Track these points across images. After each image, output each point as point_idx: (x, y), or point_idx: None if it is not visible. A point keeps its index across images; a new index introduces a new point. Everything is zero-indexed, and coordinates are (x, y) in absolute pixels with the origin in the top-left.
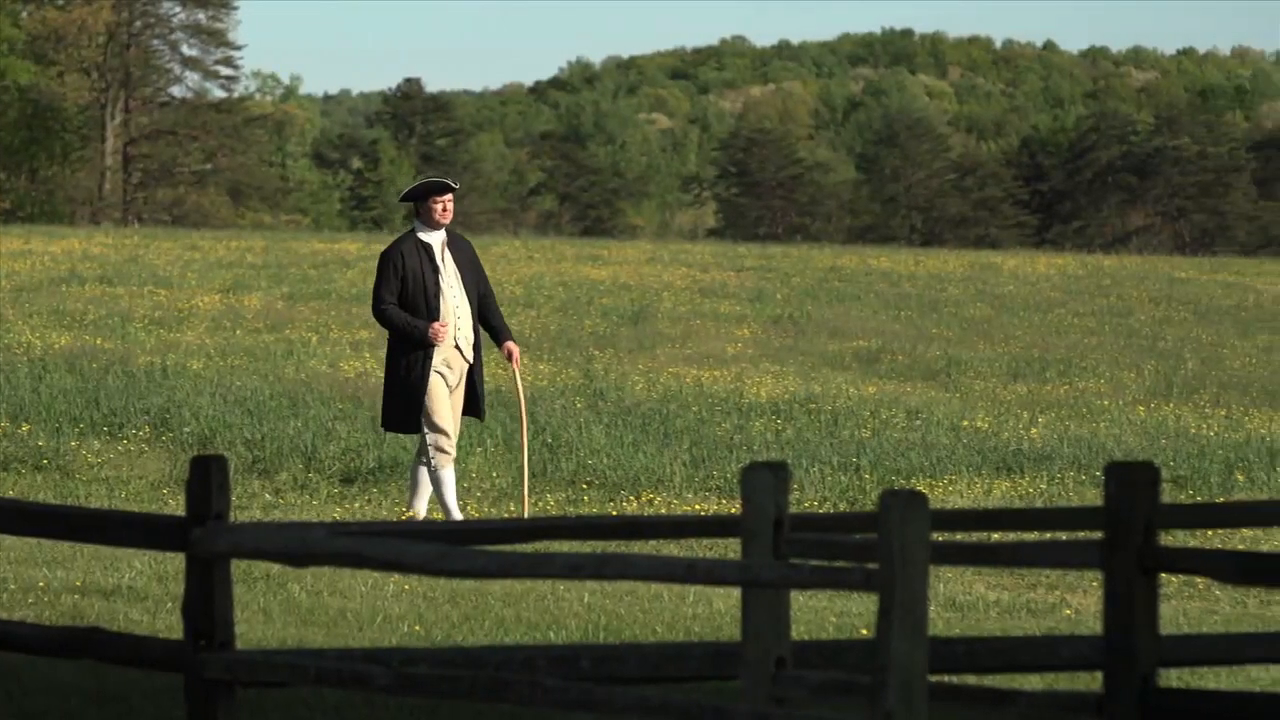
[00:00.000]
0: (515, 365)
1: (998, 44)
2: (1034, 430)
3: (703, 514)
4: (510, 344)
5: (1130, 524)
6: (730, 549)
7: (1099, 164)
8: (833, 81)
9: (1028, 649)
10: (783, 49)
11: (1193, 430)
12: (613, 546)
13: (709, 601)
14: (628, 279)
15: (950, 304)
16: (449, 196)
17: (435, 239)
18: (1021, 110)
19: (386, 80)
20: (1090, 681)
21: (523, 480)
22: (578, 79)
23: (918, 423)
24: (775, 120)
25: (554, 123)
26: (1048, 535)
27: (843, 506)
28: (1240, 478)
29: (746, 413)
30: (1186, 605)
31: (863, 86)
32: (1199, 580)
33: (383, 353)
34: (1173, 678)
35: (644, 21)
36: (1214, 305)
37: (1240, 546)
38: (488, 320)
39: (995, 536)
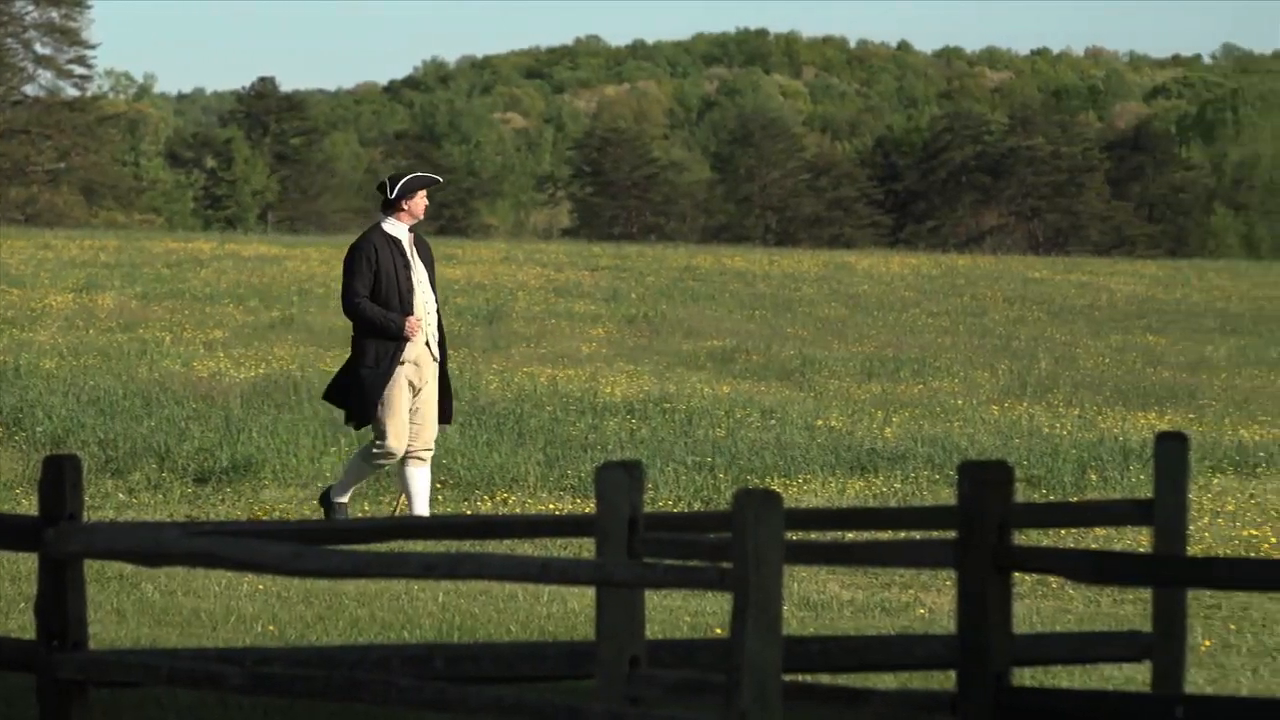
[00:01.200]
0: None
1: (852, 44)
2: (888, 429)
3: (557, 513)
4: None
5: (984, 523)
6: (585, 548)
7: (953, 164)
8: (687, 81)
9: (882, 648)
10: (637, 48)
11: (1046, 430)
12: (467, 546)
13: (564, 601)
14: (482, 278)
15: (805, 304)
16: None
17: (403, 235)
18: (876, 110)
19: (240, 79)
20: (944, 680)
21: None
22: (432, 78)
23: (772, 422)
24: (630, 120)
25: (408, 122)
26: (902, 534)
27: (697, 506)
28: (1093, 477)
29: (601, 412)
30: (1040, 604)
31: (717, 86)
32: (1052, 579)
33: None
34: (1026, 676)
35: (498, 21)
36: (1067, 305)
37: (1093, 545)
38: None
39: (849, 536)
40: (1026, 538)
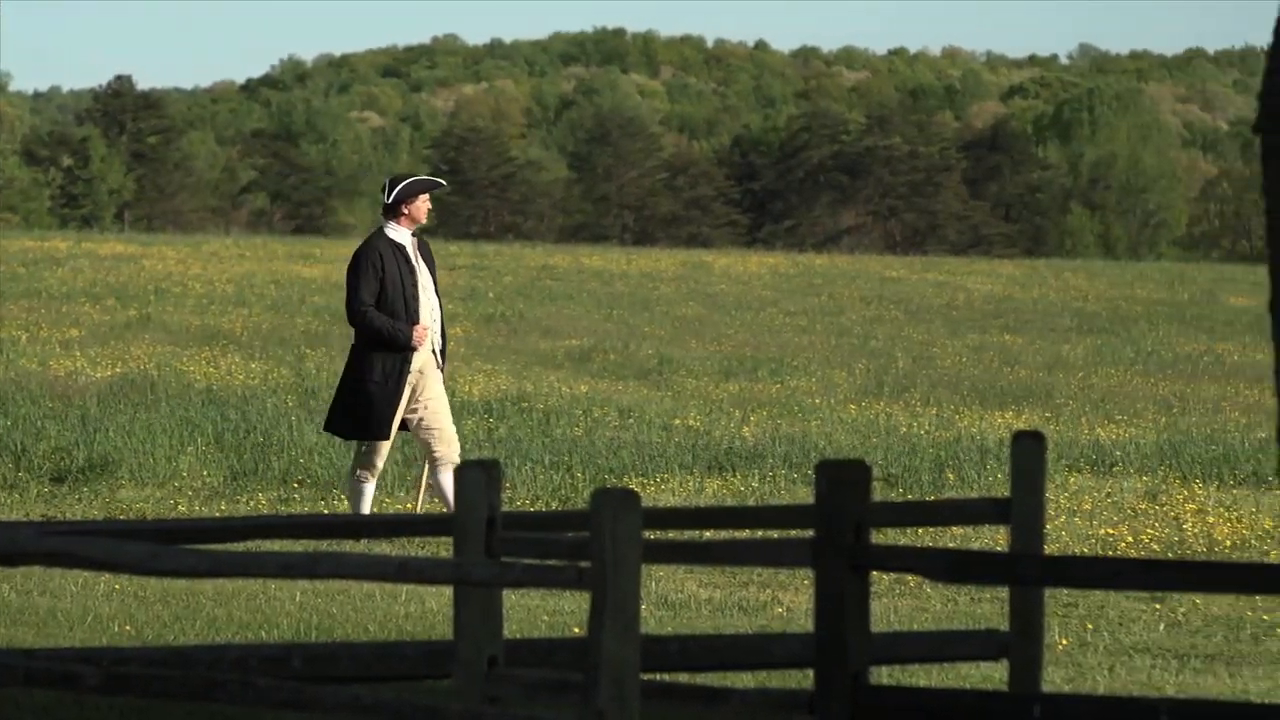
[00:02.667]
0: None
1: (709, 43)
2: (746, 428)
3: (415, 513)
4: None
5: (841, 522)
6: (443, 548)
7: (810, 163)
8: (545, 80)
9: (740, 647)
10: (495, 47)
11: (903, 429)
12: (325, 546)
13: (422, 600)
14: (339, 278)
15: (662, 303)
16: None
17: (407, 239)
18: (733, 110)
19: (97, 77)
20: (802, 679)
21: (419, 488)
22: (289, 77)
23: (630, 421)
24: (487, 119)
25: (265, 121)
26: (759, 533)
27: (555, 505)
28: (951, 476)
29: (459, 411)
30: (898, 603)
31: (575, 85)
32: (910, 578)
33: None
34: (884, 675)
35: (356, 20)
36: (925, 304)
37: (951, 544)
38: None
39: (707, 535)
40: (884, 537)
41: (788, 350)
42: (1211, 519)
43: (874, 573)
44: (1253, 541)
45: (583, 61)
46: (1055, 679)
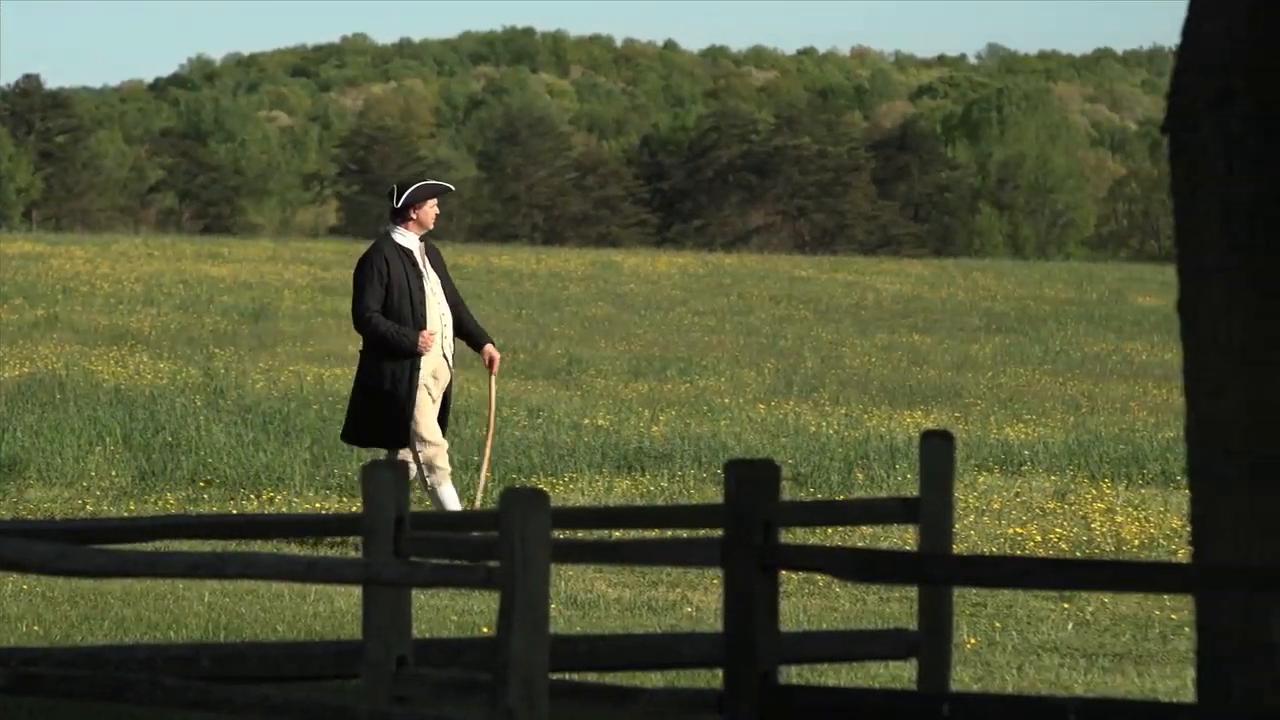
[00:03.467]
0: (494, 371)
1: (618, 43)
2: (655, 428)
3: (324, 513)
4: (490, 348)
5: (750, 522)
6: (352, 547)
7: (719, 163)
8: (454, 80)
9: (649, 647)
10: (404, 47)
11: (813, 428)
12: (233, 545)
13: (330, 600)
14: (248, 277)
15: (572, 302)
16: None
17: (414, 244)
18: (642, 109)
19: (4, 76)
20: (711, 679)
21: (479, 486)
22: (198, 76)
23: (539, 421)
24: (397, 118)
25: (174, 120)
26: (669, 533)
27: (464, 505)
28: (859, 476)
29: None
30: (807, 602)
31: (484, 85)
32: (819, 578)
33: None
34: (793, 674)
35: (264, 19)
36: (834, 304)
37: (860, 544)
38: (463, 325)
39: (617, 534)
40: (793, 536)
41: (697, 350)
42: (1120, 518)
43: (783, 572)
44: (1161, 541)
45: (492, 61)
46: (964, 678)
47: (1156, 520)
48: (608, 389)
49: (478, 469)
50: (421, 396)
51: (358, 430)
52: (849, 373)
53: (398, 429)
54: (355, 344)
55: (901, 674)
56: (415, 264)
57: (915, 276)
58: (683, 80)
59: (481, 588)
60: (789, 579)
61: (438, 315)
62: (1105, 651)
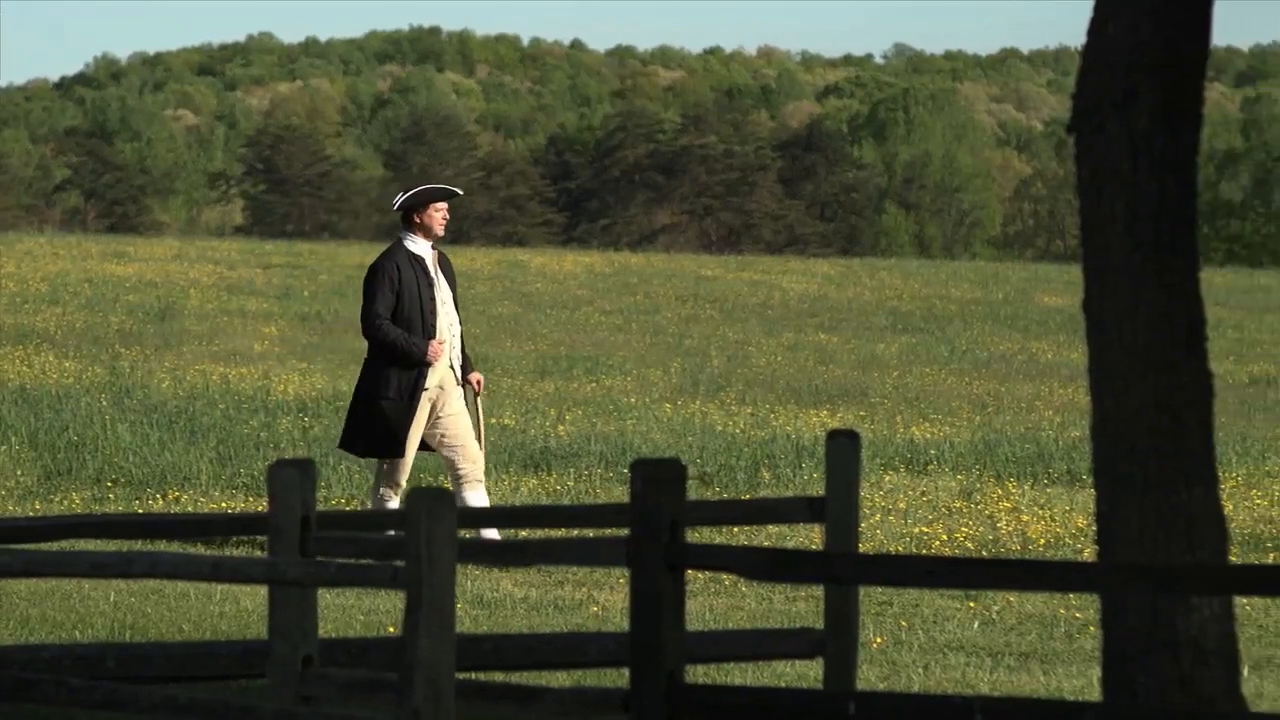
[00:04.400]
0: (478, 397)
1: (525, 42)
2: (561, 427)
3: (230, 512)
4: (476, 375)
5: (657, 521)
6: (258, 547)
7: (626, 162)
8: (360, 79)
9: (555, 646)
10: (310, 46)
11: (719, 428)
12: (139, 545)
13: (237, 600)
14: (154, 276)
15: (478, 302)
16: (447, 205)
17: (426, 252)
18: (549, 109)
19: None
20: (617, 678)
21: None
22: (104, 75)
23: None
24: (303, 117)
25: (80, 119)
26: (575, 532)
27: (370, 504)
28: (766, 475)
29: (274, 410)
30: (713, 602)
31: (390, 84)
32: (725, 577)
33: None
34: (700, 673)
35: (170, 17)
36: (740, 303)
37: (766, 543)
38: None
39: (523, 534)
40: (700, 535)
41: (603, 349)
42: (1025, 517)
43: (689, 571)
44: (1066, 540)
45: (398, 60)
46: (870, 677)
47: (1062, 519)
48: (514, 388)
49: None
50: (420, 412)
51: (355, 439)
52: (755, 372)
53: (396, 439)
54: (359, 353)
55: (808, 673)
56: (427, 272)
57: (821, 276)
58: (589, 80)
59: (388, 587)
60: (695, 578)
61: (447, 325)
62: (1011, 650)
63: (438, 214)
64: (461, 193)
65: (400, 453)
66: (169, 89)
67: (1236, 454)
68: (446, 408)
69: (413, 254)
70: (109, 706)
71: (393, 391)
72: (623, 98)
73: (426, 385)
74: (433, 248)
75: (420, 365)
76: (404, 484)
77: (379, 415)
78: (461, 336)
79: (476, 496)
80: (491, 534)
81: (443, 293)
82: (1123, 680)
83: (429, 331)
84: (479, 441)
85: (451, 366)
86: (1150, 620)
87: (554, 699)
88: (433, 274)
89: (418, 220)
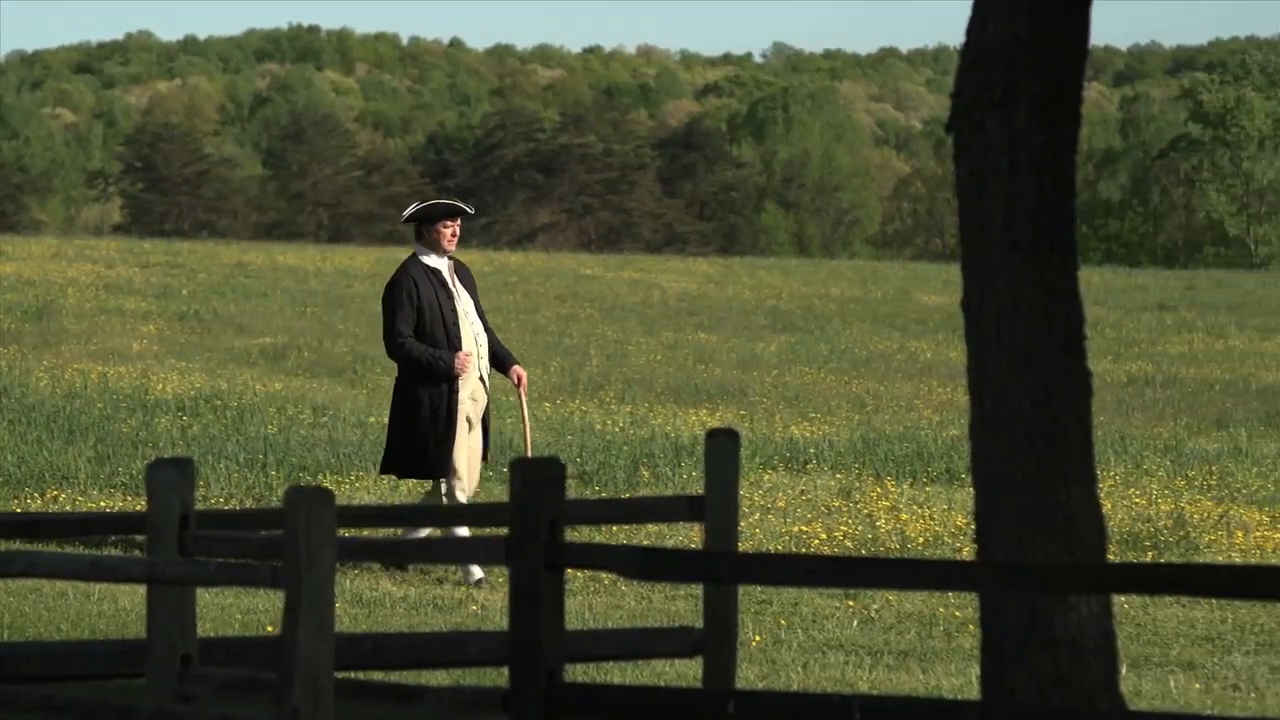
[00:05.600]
0: (523, 390)
1: (404, 41)
2: None
3: (108, 511)
4: (518, 368)
5: (536, 520)
6: (136, 546)
7: (505, 161)
8: (239, 77)
9: (435, 645)
10: (189, 44)
11: (598, 426)
12: (17, 544)
13: (115, 599)
14: (31, 275)
15: (357, 300)
16: (458, 221)
17: (442, 264)
18: (428, 107)
19: None
20: (497, 677)
21: None
22: None
23: (325, 419)
24: (181, 115)
25: None
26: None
27: (249, 503)
28: (646, 474)
29: (152, 409)
30: (593, 600)
31: (269, 82)
32: (605, 576)
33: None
34: (579, 672)
35: (48, 15)
36: (619, 302)
37: (645, 542)
38: (490, 346)
39: (402, 533)
40: (579, 534)
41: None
42: (904, 516)
43: (568, 570)
44: (945, 539)
45: (277, 59)
46: (749, 676)
47: (941, 518)
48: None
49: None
50: (461, 423)
51: (396, 462)
52: (635, 371)
53: (439, 459)
54: (390, 372)
55: (687, 672)
56: (445, 284)
57: (701, 275)
58: (468, 79)
59: (267, 586)
60: (575, 577)
61: (472, 336)
62: (890, 649)
63: (446, 230)
64: (472, 211)
65: (444, 471)
66: (47, 87)
67: (1115, 453)
68: (475, 422)
69: (428, 267)
70: None
71: (427, 410)
72: (502, 96)
73: (460, 400)
74: (449, 258)
75: (449, 379)
76: (468, 491)
77: (419, 436)
78: (493, 336)
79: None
80: (463, 531)
81: (464, 303)
82: (1001, 679)
83: (454, 344)
84: (525, 440)
85: (481, 377)
86: (1028, 619)
87: (433, 698)
88: (451, 285)
89: (423, 235)
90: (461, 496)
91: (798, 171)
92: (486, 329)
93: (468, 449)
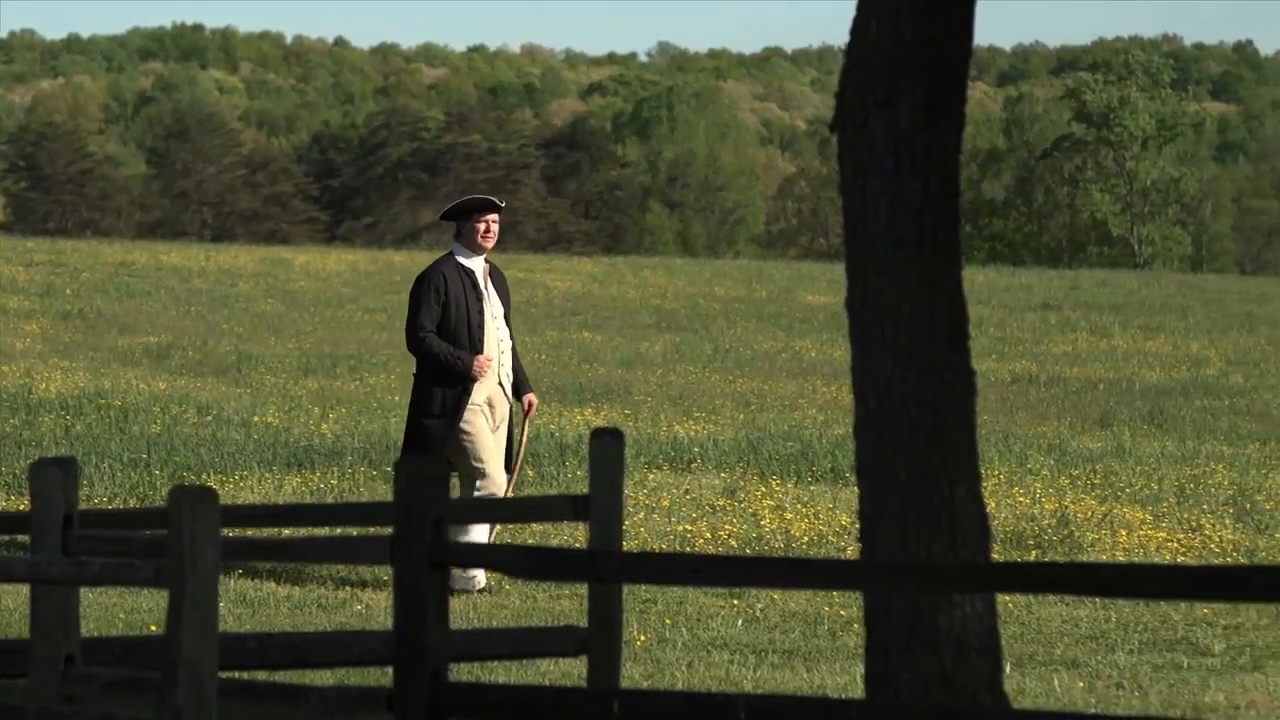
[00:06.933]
0: (528, 418)
1: (288, 40)
2: (325, 425)
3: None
4: (531, 396)
5: (420, 519)
6: (19, 546)
7: (390, 160)
8: (123, 76)
9: (319, 645)
10: (72, 43)
11: None
12: None
13: None
14: None
15: (241, 299)
16: (494, 216)
17: (477, 265)
18: (312, 106)
19: None
20: (382, 677)
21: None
22: None
23: (209, 419)
24: (65, 114)
25: None
26: (339, 531)
27: (133, 503)
28: (530, 473)
29: (35, 409)
30: (477, 600)
31: (153, 81)
32: (490, 575)
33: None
34: (464, 672)
35: None
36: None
37: (530, 541)
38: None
39: (287, 532)
40: None
41: (367, 347)
42: (789, 515)
43: (453, 570)
44: (830, 538)
45: (161, 57)
46: (634, 675)
47: (826, 517)
48: (278, 386)
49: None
50: (478, 422)
51: (413, 453)
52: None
53: (441, 447)
54: (409, 364)
55: (572, 671)
56: (476, 285)
57: (586, 274)
58: (353, 77)
59: (151, 585)
60: (460, 577)
61: (495, 341)
62: (775, 648)
63: (480, 225)
64: (503, 204)
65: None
66: None
67: (999, 452)
68: (496, 427)
69: (462, 266)
70: None
71: (436, 408)
72: (386, 95)
73: (473, 401)
74: (485, 261)
75: (464, 381)
76: (503, 483)
77: (424, 432)
78: (515, 353)
79: (478, 531)
80: (480, 534)
81: (493, 307)
82: (886, 677)
83: (476, 347)
84: (513, 465)
85: (501, 384)
86: (913, 617)
87: (318, 698)
88: (482, 287)
89: (461, 233)
90: (501, 482)
91: (682, 171)
92: (512, 341)
93: (494, 442)
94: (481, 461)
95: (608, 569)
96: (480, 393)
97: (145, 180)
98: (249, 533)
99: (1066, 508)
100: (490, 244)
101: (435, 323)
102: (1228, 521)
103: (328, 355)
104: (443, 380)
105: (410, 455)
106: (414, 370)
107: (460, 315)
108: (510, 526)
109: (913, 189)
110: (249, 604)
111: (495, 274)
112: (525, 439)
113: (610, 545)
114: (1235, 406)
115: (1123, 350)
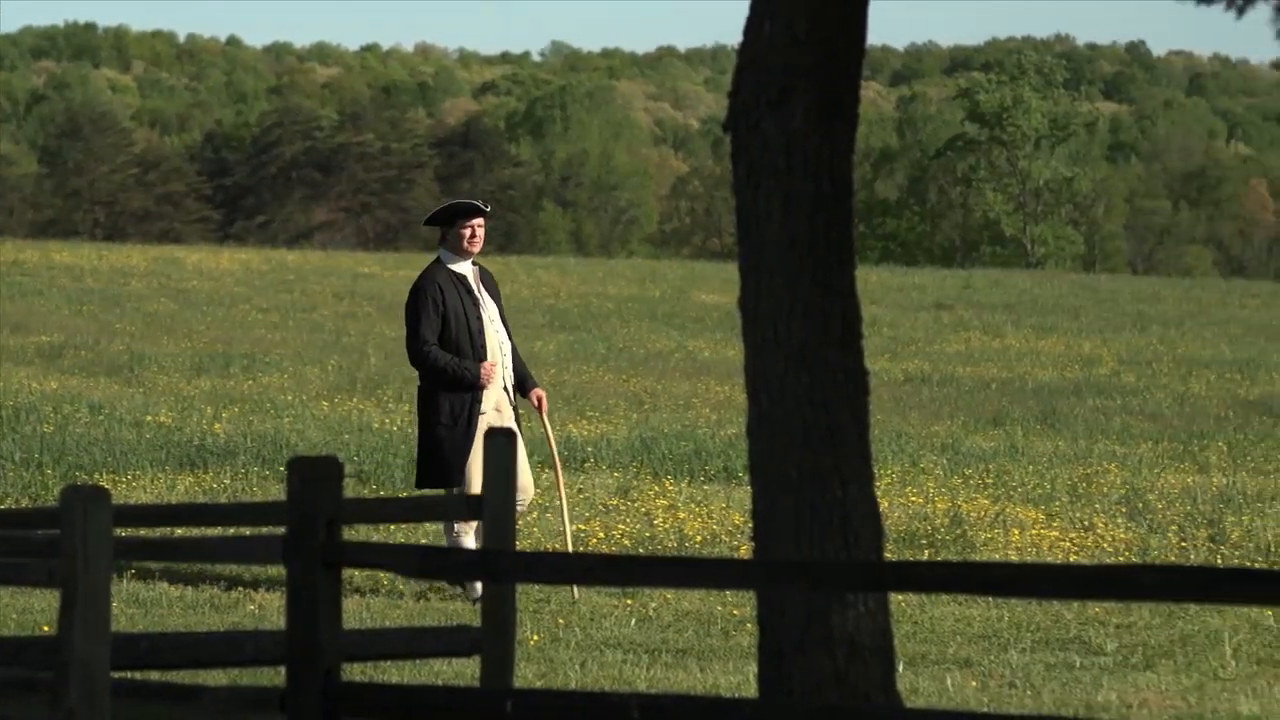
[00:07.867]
0: (544, 414)
1: (181, 38)
2: (218, 425)
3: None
4: (538, 390)
5: (313, 519)
6: None
7: (283, 159)
8: (15, 74)
9: (211, 645)
10: None
11: (376, 425)
12: None
13: None
14: None
15: (133, 299)
16: (479, 221)
17: (467, 269)
18: (205, 105)
19: None
20: (274, 677)
21: (566, 537)
22: None
23: (101, 418)
24: None
25: None
26: (231, 530)
27: (25, 503)
28: None
29: None
30: (370, 600)
31: (45, 80)
32: (383, 575)
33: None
34: (357, 672)
35: None
36: (397, 301)
37: (424, 541)
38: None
39: (179, 532)
40: (357, 533)
41: (260, 346)
42: (682, 514)
43: (346, 570)
44: (723, 537)
45: (53, 56)
46: (528, 674)
47: (719, 516)
48: (170, 385)
49: (559, 515)
50: (482, 434)
51: (426, 474)
52: (411, 370)
53: (453, 465)
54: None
55: (465, 670)
56: (470, 291)
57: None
58: (246, 76)
59: (43, 585)
60: (352, 576)
61: (497, 344)
62: (668, 647)
63: (465, 231)
64: (489, 208)
65: (457, 481)
66: None
67: (892, 451)
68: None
69: (453, 272)
70: None
71: (446, 418)
72: (279, 94)
73: (483, 410)
74: (473, 264)
75: (473, 389)
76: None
77: (438, 444)
78: (515, 353)
79: (469, 539)
80: (469, 541)
81: (489, 310)
82: (779, 677)
83: (479, 353)
84: (552, 457)
85: (505, 387)
86: (805, 617)
87: (211, 698)
88: (477, 292)
89: (446, 238)
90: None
91: (576, 170)
92: (510, 338)
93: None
94: (471, 481)
95: (501, 568)
96: (488, 400)
97: (37, 179)
98: (142, 532)
99: (959, 507)
100: (477, 248)
101: (436, 334)
102: (1120, 521)
103: (220, 355)
104: (450, 391)
105: (426, 472)
106: (418, 385)
107: (460, 324)
108: (402, 526)
109: (805, 189)
110: (142, 604)
111: (485, 275)
112: (552, 436)
113: (503, 545)
114: (1127, 406)
115: (1015, 350)
